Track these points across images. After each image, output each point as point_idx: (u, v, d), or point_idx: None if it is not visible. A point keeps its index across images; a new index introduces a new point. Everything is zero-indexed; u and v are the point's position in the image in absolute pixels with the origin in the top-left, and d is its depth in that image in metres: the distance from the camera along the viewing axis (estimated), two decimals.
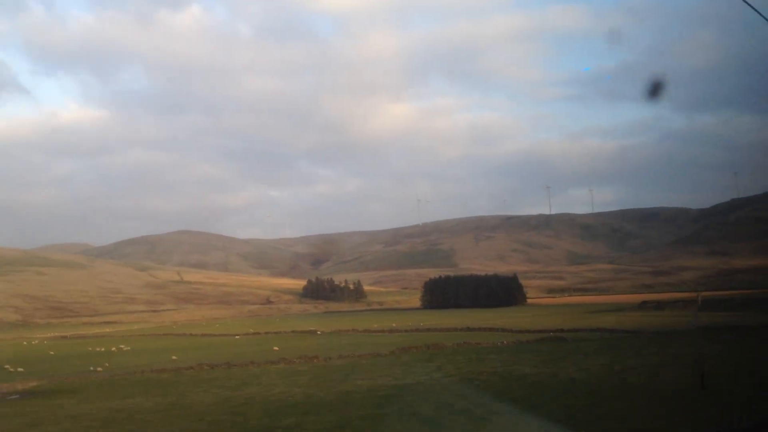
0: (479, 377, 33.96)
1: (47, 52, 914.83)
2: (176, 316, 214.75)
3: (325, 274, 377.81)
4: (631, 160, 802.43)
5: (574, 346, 48.46)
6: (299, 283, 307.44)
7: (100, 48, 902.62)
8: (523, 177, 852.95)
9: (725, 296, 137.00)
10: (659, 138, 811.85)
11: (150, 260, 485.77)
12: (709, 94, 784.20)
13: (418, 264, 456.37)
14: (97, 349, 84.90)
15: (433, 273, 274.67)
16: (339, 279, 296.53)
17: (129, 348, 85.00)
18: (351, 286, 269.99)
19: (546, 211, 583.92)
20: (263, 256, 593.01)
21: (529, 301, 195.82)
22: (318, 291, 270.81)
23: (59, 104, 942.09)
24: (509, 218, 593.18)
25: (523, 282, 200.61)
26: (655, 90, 25.85)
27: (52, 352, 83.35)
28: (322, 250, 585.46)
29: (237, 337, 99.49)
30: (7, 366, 61.28)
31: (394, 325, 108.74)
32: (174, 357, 65.18)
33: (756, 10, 11.09)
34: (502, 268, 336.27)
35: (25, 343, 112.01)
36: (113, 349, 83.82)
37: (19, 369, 58.68)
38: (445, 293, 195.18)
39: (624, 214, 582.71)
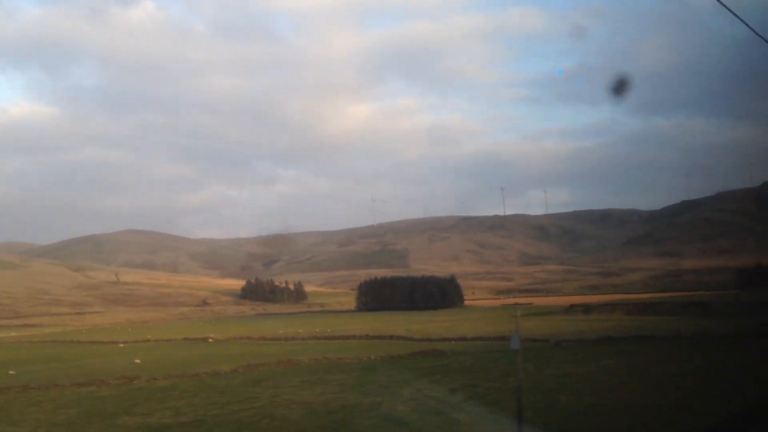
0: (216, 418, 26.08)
1: None
2: (100, 319, 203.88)
3: (276, 275, 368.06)
4: (586, 161, 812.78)
5: (429, 365, 41.28)
6: (242, 284, 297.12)
7: (51, 43, 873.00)
8: (482, 178, 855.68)
9: (665, 298, 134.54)
10: (615, 140, 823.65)
11: (94, 260, 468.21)
12: (664, 97, 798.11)
13: (371, 265, 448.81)
14: None
15: (385, 274, 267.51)
16: (292, 279, 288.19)
17: None
18: (291, 287, 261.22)
19: (501, 212, 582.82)
20: (214, 257, 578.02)
21: (466, 302, 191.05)
22: (257, 292, 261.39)
23: (8, 100, 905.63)
24: (465, 219, 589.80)
25: (473, 283, 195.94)
26: (619, 87, 26.02)
27: None
28: (274, 249, 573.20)
29: (121, 345, 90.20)
30: None
31: (300, 331, 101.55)
32: (11, 372, 56.84)
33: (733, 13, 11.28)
34: (455, 269, 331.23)
35: None
36: None
37: None
38: (380, 295, 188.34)
39: (577, 216, 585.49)
